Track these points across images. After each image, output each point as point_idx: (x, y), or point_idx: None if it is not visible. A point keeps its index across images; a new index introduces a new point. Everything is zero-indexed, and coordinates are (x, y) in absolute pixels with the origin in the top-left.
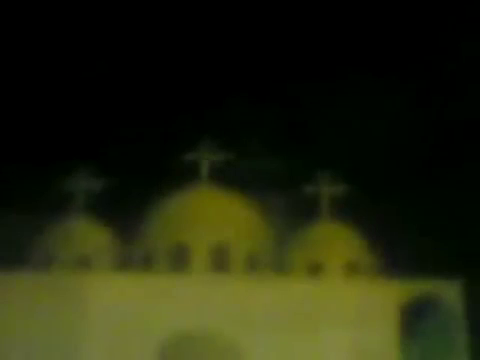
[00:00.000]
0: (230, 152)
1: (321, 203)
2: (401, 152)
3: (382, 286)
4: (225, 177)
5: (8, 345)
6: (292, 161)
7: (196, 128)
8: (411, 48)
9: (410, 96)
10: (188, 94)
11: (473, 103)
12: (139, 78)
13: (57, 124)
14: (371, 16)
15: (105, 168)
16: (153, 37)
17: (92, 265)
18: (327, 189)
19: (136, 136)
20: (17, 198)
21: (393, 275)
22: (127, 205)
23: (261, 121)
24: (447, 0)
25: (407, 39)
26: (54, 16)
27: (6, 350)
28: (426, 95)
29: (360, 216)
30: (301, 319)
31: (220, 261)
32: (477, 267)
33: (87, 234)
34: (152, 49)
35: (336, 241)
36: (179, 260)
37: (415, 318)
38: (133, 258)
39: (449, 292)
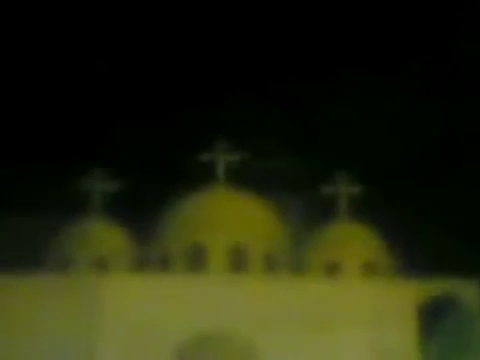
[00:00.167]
0: (246, 152)
1: (338, 203)
2: (418, 151)
3: (400, 286)
4: (241, 177)
5: (26, 346)
6: (309, 161)
7: (212, 128)
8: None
9: (425, 95)
10: (204, 94)
11: None
12: (155, 79)
13: (73, 124)
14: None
15: (121, 169)
16: (169, 38)
17: (109, 267)
18: (344, 189)
19: (151, 136)
20: (33, 199)
21: (411, 275)
22: (143, 206)
23: (277, 121)
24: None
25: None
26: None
27: (24, 351)
28: (440, 93)
29: (378, 216)
30: (318, 319)
31: (237, 261)
32: None
33: (103, 235)
34: (168, 51)
35: (353, 241)
36: (196, 261)
37: (433, 318)
38: (150, 259)
39: (467, 291)
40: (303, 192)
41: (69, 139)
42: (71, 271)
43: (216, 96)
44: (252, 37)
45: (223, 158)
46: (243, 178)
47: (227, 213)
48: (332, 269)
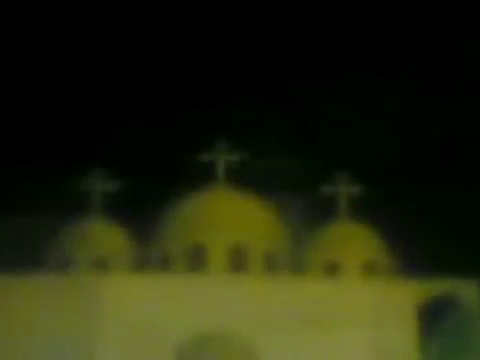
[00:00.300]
0: (246, 152)
1: (338, 203)
2: (418, 151)
3: (400, 286)
4: (241, 177)
5: (26, 346)
6: (309, 161)
7: (212, 128)
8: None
9: (425, 95)
10: (204, 94)
11: None
12: (154, 79)
13: (73, 124)
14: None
15: (121, 169)
16: (169, 38)
17: (109, 267)
18: (344, 189)
19: (151, 136)
20: (33, 199)
21: (411, 275)
22: (143, 206)
23: (277, 121)
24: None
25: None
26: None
27: (24, 351)
28: (440, 93)
29: (378, 216)
30: (318, 319)
31: (237, 261)
32: None
33: (103, 235)
34: (168, 51)
35: (353, 241)
36: (196, 261)
37: (433, 318)
38: (150, 259)
39: (467, 291)
40: (303, 192)
41: (69, 139)
42: (71, 271)
43: (216, 96)
44: (252, 37)
45: (223, 158)
46: (243, 178)
47: (227, 213)
48: (332, 269)
